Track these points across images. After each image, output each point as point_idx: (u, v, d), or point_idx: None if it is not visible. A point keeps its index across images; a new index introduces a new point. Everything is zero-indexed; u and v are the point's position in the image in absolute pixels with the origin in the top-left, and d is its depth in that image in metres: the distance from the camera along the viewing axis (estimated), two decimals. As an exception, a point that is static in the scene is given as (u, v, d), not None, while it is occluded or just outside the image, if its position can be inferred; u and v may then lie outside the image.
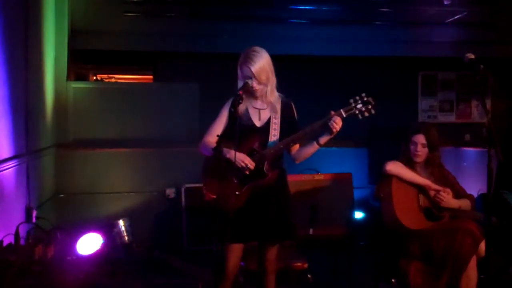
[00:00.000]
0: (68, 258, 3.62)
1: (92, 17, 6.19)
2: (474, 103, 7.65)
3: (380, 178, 3.66)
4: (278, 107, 3.04)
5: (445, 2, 6.04)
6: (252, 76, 2.91)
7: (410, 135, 3.63)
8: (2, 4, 3.70)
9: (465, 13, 6.62)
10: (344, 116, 2.92)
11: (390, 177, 3.57)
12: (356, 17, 6.73)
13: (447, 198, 3.53)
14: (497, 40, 7.02)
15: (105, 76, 8.66)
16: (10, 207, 3.83)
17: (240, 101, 2.84)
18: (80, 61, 6.83)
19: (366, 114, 2.94)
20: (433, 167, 3.65)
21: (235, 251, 3.00)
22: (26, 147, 4.28)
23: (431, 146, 3.60)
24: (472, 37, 6.92)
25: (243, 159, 2.89)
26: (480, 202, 4.57)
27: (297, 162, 3.11)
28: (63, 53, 5.69)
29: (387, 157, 3.66)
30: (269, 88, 2.98)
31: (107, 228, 4.91)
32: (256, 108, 3.05)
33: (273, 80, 3.00)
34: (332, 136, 2.94)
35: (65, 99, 5.73)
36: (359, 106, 2.93)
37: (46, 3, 5.11)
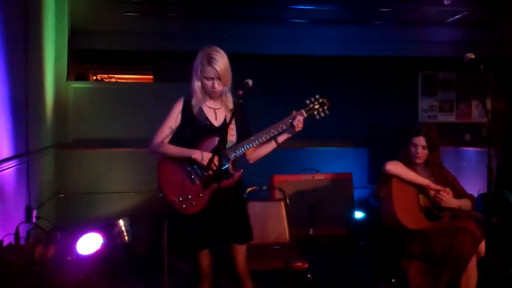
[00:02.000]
0: (68, 258, 3.62)
1: (92, 17, 6.19)
2: (474, 103, 7.65)
3: (380, 178, 3.66)
4: (231, 107, 2.99)
5: (445, 2, 6.05)
6: (215, 77, 2.88)
7: (410, 137, 3.63)
8: (2, 4, 3.70)
9: (465, 13, 6.63)
10: (305, 116, 2.98)
11: (390, 177, 3.57)
12: (356, 17, 6.73)
13: (447, 198, 3.53)
14: (497, 40, 7.02)
15: (105, 76, 8.67)
16: (10, 207, 3.83)
17: (241, 101, 2.83)
18: (80, 61, 6.83)
19: (322, 114, 3.02)
20: (433, 167, 3.65)
21: (205, 254, 2.93)
22: (26, 147, 4.28)
23: (431, 147, 3.59)
24: (472, 37, 6.92)
25: (207, 159, 2.78)
26: (480, 202, 4.57)
27: (251, 162, 3.06)
28: (63, 53, 5.70)
29: (387, 157, 3.66)
30: (226, 89, 2.95)
31: (107, 228, 4.91)
32: (211, 108, 2.99)
33: (230, 79, 2.96)
34: (292, 135, 3.00)
35: (65, 99, 5.73)
36: (316, 106, 3.02)
37: (46, 3, 5.11)
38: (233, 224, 2.86)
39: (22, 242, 3.58)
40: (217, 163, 2.77)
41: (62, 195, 5.56)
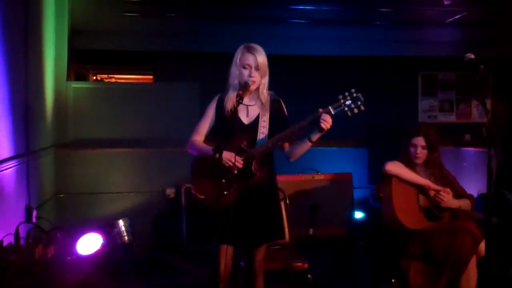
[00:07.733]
0: (68, 258, 3.62)
1: (92, 17, 6.19)
2: (474, 103, 7.65)
3: (380, 178, 3.66)
4: (267, 104, 2.96)
5: (445, 2, 6.04)
6: (253, 66, 2.87)
7: (410, 137, 3.63)
8: (2, 4, 3.70)
9: (465, 13, 6.62)
10: (333, 113, 2.80)
11: (390, 177, 3.57)
12: (356, 17, 6.73)
13: (447, 198, 3.53)
14: (497, 40, 7.02)
15: (105, 76, 8.66)
16: (10, 207, 3.83)
17: (240, 101, 2.78)
18: (80, 61, 6.83)
19: (356, 111, 2.81)
20: (433, 167, 3.65)
21: (226, 252, 2.93)
22: (26, 147, 4.28)
23: (431, 147, 3.60)
24: (472, 37, 6.92)
25: (230, 158, 2.79)
26: (480, 202, 4.57)
27: (291, 160, 2.98)
28: (63, 53, 5.70)
29: (387, 157, 3.66)
30: (263, 82, 2.94)
31: (107, 228, 4.92)
32: (244, 104, 2.95)
33: (267, 76, 2.97)
34: (323, 133, 2.83)
35: (65, 99, 5.73)
36: (348, 102, 2.81)
37: (46, 3, 5.11)
38: (258, 222, 2.90)
39: (22, 242, 3.57)
40: (239, 162, 2.81)
41: (62, 195, 5.56)
